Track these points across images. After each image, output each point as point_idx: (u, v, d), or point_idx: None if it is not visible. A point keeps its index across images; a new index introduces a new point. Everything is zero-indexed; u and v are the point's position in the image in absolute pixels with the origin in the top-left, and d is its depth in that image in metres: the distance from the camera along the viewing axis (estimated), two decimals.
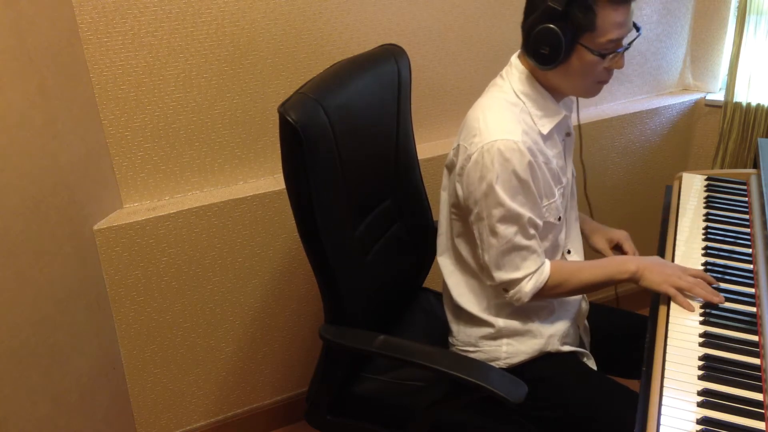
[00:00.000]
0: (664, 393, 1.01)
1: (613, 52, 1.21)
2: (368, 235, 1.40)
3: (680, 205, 1.54)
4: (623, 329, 1.48)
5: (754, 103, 2.13)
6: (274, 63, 1.71)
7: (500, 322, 1.35)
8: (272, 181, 1.80)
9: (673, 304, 1.21)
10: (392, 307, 1.56)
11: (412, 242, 1.56)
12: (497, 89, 1.31)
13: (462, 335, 1.41)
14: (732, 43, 2.12)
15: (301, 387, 2.02)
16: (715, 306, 1.19)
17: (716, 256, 1.35)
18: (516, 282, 1.26)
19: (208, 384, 1.88)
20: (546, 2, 1.17)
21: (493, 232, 1.24)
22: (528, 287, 1.26)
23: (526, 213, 1.23)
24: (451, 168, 1.34)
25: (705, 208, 1.53)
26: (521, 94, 1.28)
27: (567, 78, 1.25)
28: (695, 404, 0.99)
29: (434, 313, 1.61)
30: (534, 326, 1.35)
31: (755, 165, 1.61)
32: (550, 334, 1.35)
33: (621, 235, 1.50)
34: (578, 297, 1.42)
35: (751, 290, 1.24)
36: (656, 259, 1.29)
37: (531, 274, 1.25)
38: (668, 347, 1.11)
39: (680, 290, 1.21)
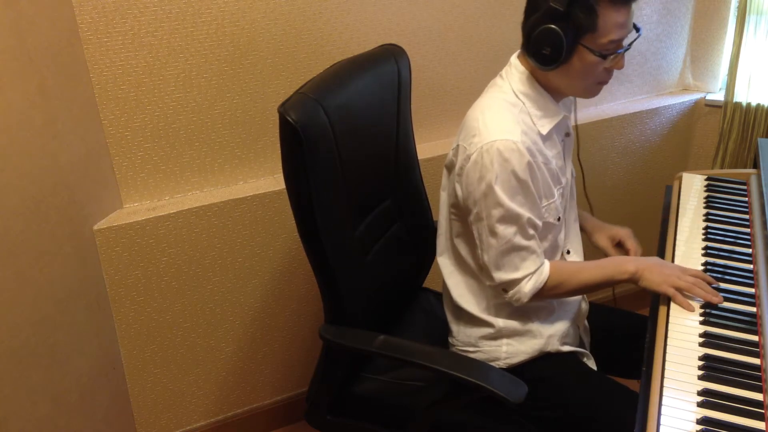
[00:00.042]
0: (664, 393, 1.01)
1: (613, 52, 1.22)
2: (368, 235, 1.40)
3: (680, 205, 1.54)
4: (623, 329, 1.48)
5: (754, 103, 2.13)
6: (274, 63, 1.71)
7: (500, 323, 1.35)
8: (272, 181, 1.80)
9: (673, 304, 1.21)
10: (392, 307, 1.56)
11: (412, 242, 1.56)
12: (497, 89, 1.31)
13: (462, 335, 1.41)
14: (732, 43, 2.12)
15: (301, 387, 2.02)
16: (715, 306, 1.19)
17: (716, 256, 1.35)
18: (515, 282, 1.26)
19: (208, 384, 1.88)
20: (548, 3, 1.17)
21: (493, 233, 1.24)
22: (527, 287, 1.26)
23: (526, 213, 1.23)
24: (450, 168, 1.34)
25: (705, 208, 1.53)
26: (521, 95, 1.28)
27: (567, 78, 1.25)
28: (695, 404, 0.99)
29: (434, 313, 1.60)
30: (534, 326, 1.35)
31: (755, 165, 1.61)
32: (549, 334, 1.35)
33: (623, 233, 1.50)
34: (578, 297, 1.42)
35: (751, 290, 1.24)
36: (655, 259, 1.29)
37: (530, 274, 1.26)
38: (668, 347, 1.10)
39: (679, 290, 1.21)
